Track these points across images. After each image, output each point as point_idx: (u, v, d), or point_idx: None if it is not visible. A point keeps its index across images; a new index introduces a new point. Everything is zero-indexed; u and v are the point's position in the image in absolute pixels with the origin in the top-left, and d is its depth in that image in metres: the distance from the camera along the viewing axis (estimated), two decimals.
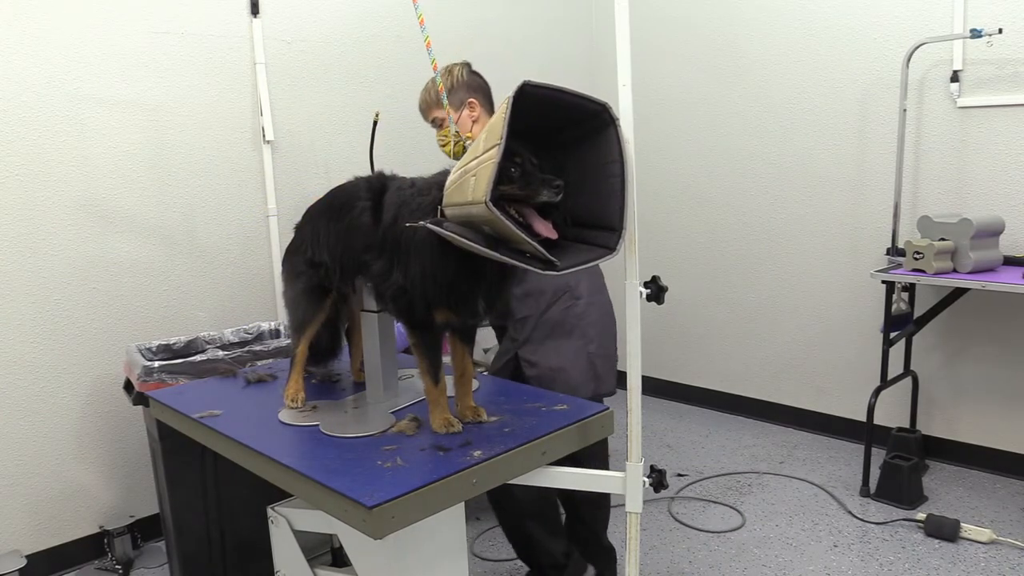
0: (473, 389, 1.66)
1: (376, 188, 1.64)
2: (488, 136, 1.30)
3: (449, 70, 2.25)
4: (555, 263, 1.32)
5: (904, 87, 3.13)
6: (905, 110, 3.15)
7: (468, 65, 2.28)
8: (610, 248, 1.35)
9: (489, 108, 2.26)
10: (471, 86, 2.23)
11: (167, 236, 2.88)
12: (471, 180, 1.30)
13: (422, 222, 1.41)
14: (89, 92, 2.66)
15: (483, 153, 1.29)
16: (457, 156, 2.17)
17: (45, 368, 2.65)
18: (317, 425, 1.62)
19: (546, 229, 1.37)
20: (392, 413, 1.68)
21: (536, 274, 1.93)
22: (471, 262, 1.44)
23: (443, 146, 2.24)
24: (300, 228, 1.82)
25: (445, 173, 1.57)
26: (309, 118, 3.21)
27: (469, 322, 1.57)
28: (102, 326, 2.76)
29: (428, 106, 2.26)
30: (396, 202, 1.56)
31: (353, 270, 1.65)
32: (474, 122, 2.22)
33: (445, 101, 2.05)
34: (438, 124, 2.26)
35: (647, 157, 4.06)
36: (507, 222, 1.27)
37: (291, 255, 1.82)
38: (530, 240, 1.29)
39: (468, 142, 2.16)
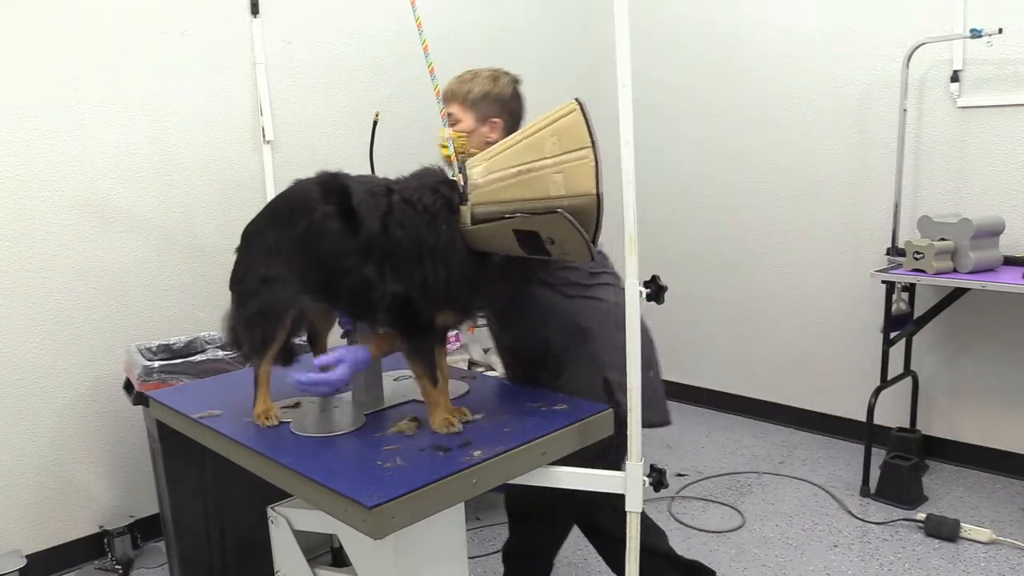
0: (465, 391, 1.66)
1: (336, 191, 1.58)
2: (563, 140, 1.43)
3: (495, 76, 1.99)
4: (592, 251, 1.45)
5: (904, 87, 3.13)
6: (905, 110, 3.15)
7: (516, 81, 2.02)
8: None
9: (506, 135, 1.93)
10: (507, 107, 1.98)
11: (167, 236, 2.88)
12: (555, 177, 1.42)
13: (559, 210, 1.39)
14: (88, 92, 2.66)
15: (562, 154, 1.42)
16: (446, 163, 1.93)
17: (45, 368, 2.65)
18: (288, 423, 1.63)
19: None
20: (366, 415, 1.67)
21: (609, 291, 1.94)
22: (484, 261, 1.45)
23: (443, 146, 2.00)
24: (241, 252, 1.73)
25: (432, 173, 1.57)
26: (309, 118, 3.21)
27: (463, 322, 1.57)
28: (102, 326, 2.76)
29: (453, 97, 2.01)
30: (379, 208, 1.51)
31: (319, 277, 1.59)
32: (486, 143, 1.94)
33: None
34: (452, 121, 1.99)
35: (647, 157, 4.05)
36: (600, 212, 1.40)
37: (237, 284, 1.72)
38: (599, 228, 1.41)
39: (466, 158, 1.93)
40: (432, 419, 1.55)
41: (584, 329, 1.89)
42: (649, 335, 2.00)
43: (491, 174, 1.48)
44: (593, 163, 1.41)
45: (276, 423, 1.63)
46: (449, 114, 1.99)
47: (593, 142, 1.42)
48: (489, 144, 1.91)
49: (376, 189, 1.55)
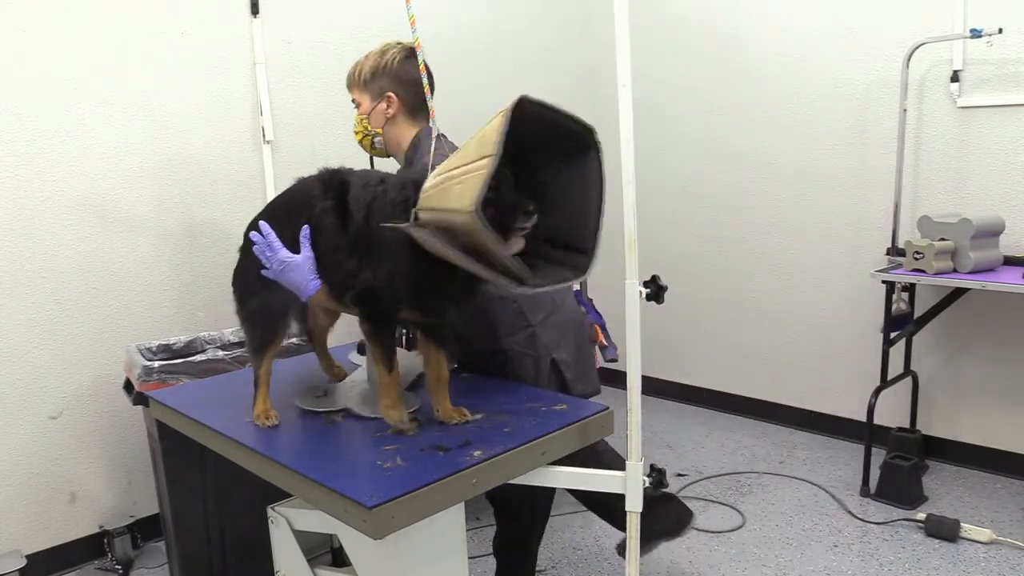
0: (418, 373, 1.67)
1: (336, 186, 1.58)
2: (480, 145, 1.28)
3: (383, 50, 1.92)
4: (527, 280, 1.31)
5: (904, 87, 3.13)
6: (905, 110, 3.15)
7: (408, 50, 1.90)
8: (582, 269, 1.37)
9: (413, 108, 1.92)
10: (399, 77, 1.89)
11: (167, 236, 2.88)
12: (456, 188, 1.28)
13: (403, 224, 1.38)
14: (88, 92, 2.66)
15: (474, 161, 1.27)
16: (365, 149, 2.03)
17: (45, 368, 2.65)
18: (344, 409, 1.63)
19: (517, 245, 1.37)
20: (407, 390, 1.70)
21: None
22: (443, 265, 1.41)
23: (355, 132, 2.01)
24: (243, 251, 1.72)
25: (420, 171, 1.56)
26: (309, 118, 3.21)
27: (435, 322, 1.55)
28: (102, 326, 2.75)
29: (350, 83, 1.98)
30: (365, 200, 1.52)
31: (320, 273, 1.58)
32: (388, 119, 1.93)
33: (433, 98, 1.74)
34: (356, 105, 1.98)
35: (647, 156, 4.05)
36: (490, 234, 1.25)
37: (239, 276, 1.74)
38: (507, 256, 1.28)
39: (378, 139, 1.98)
40: (382, 404, 1.55)
41: (524, 315, 1.91)
42: (575, 302, 2.08)
43: (435, 178, 1.39)
44: (483, 176, 1.21)
45: (275, 423, 1.63)
46: (353, 100, 1.98)
47: (499, 152, 1.22)
48: (390, 121, 1.94)
49: (371, 180, 1.56)
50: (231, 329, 2.75)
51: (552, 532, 2.86)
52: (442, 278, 1.45)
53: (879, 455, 3.11)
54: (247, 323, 1.73)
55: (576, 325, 2.05)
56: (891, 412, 3.42)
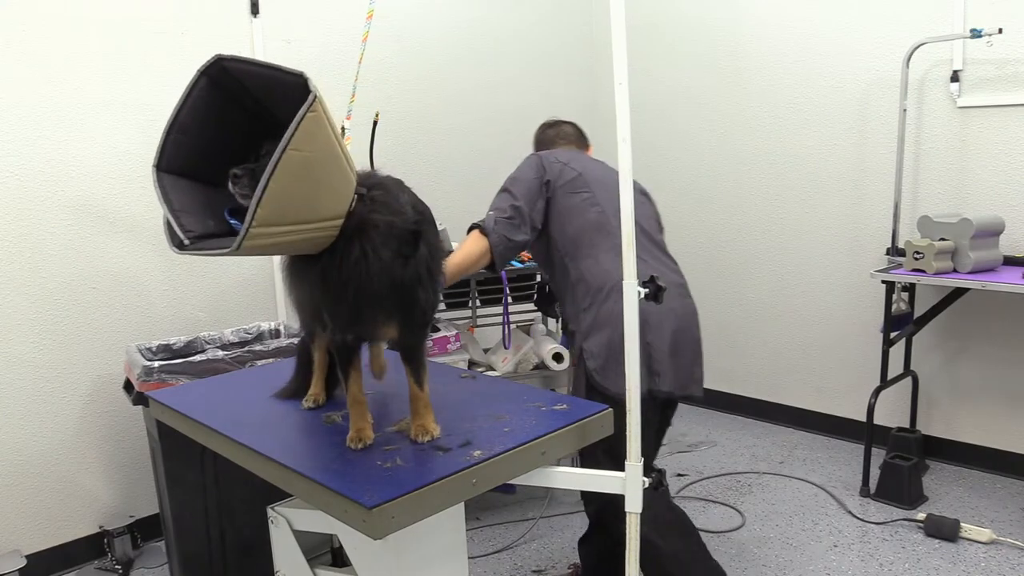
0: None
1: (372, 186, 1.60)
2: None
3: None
4: (183, 241, 1.30)
5: (904, 87, 3.13)
6: (905, 110, 3.15)
7: (543, 124, 2.51)
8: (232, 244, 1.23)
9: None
10: (538, 141, 2.50)
11: None
12: None
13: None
14: (88, 92, 2.66)
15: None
16: None
17: (45, 368, 2.65)
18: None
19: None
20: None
21: (594, 262, 2.07)
22: (303, 275, 1.40)
23: None
24: None
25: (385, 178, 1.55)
26: None
27: (339, 338, 1.49)
28: (102, 326, 2.76)
29: None
30: None
31: None
32: None
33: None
34: None
35: (647, 156, 4.05)
36: (157, 191, 1.33)
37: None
38: (168, 213, 1.31)
39: None
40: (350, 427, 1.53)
41: (577, 300, 2.15)
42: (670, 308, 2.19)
43: None
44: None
45: (313, 406, 1.69)
46: None
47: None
48: None
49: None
50: (231, 329, 2.75)
51: (552, 532, 2.86)
52: (306, 288, 1.42)
53: (879, 455, 3.11)
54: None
55: (614, 322, 1.98)
56: (891, 412, 3.42)
